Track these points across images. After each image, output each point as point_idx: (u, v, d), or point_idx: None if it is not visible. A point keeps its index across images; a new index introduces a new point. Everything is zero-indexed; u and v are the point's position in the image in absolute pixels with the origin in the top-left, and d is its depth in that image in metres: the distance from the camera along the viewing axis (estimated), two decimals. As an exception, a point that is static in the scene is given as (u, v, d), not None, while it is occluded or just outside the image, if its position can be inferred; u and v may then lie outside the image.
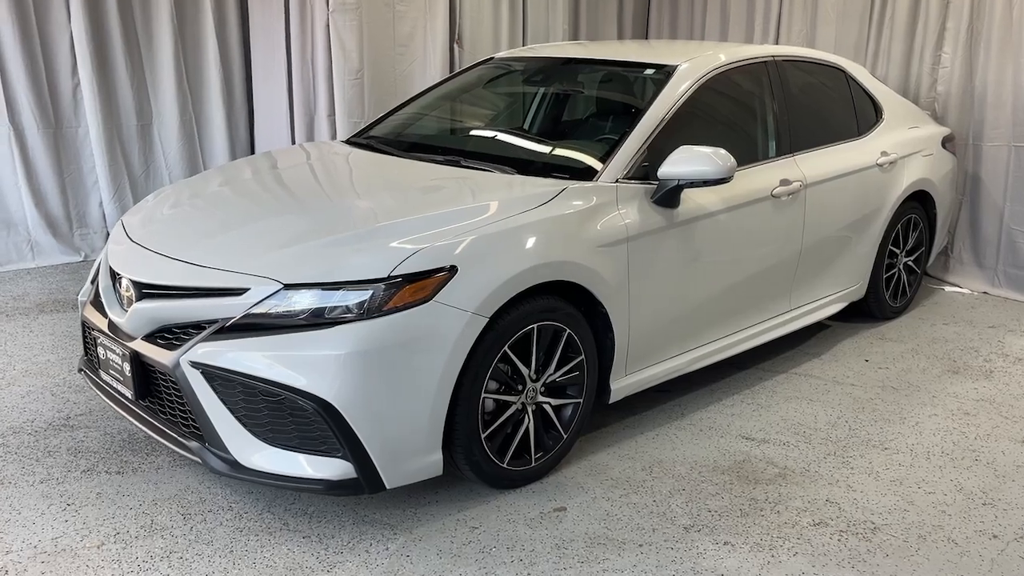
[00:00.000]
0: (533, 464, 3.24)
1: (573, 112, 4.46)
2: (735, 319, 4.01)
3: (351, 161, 3.93)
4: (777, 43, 6.67)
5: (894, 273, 5.08)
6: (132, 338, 3.00)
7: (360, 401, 2.70)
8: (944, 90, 5.87)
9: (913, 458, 3.54)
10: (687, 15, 7.44)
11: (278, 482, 2.79)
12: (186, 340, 2.84)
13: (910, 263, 5.20)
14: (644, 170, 3.53)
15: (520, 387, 3.14)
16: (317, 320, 2.74)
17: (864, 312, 5.04)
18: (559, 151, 3.87)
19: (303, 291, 2.77)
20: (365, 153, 4.00)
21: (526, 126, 4.43)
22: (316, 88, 6.26)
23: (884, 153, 4.75)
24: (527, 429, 3.19)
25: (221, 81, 6.40)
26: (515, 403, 3.13)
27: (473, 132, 4.40)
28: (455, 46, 6.52)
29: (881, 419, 3.88)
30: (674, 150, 3.47)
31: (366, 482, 2.78)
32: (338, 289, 2.77)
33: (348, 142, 4.27)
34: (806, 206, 4.20)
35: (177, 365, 2.80)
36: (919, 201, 5.10)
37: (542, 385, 3.21)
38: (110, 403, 3.21)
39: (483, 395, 3.00)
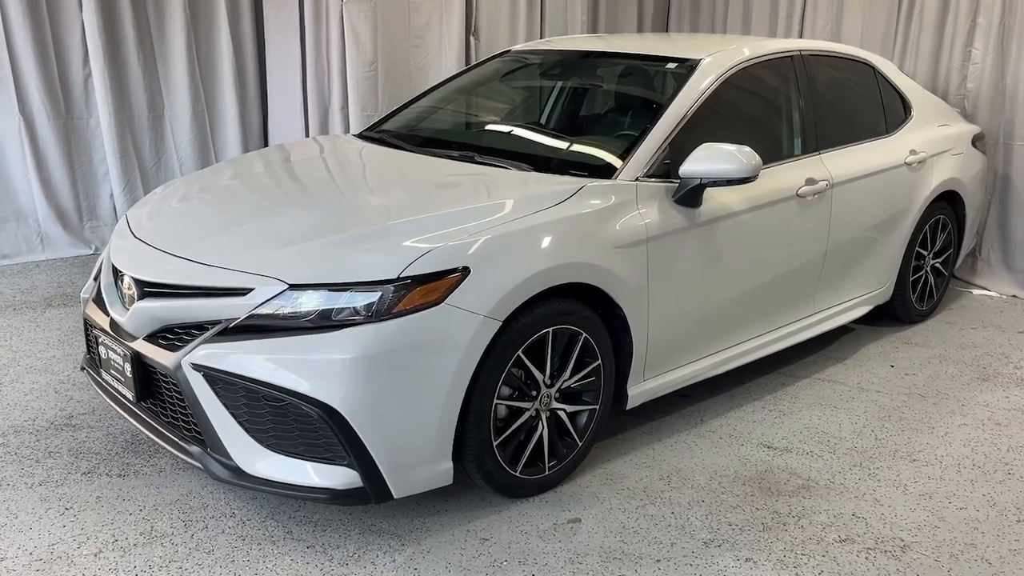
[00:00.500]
0: (547, 473, 3.12)
1: (592, 107, 4.33)
2: (757, 323, 3.88)
3: (362, 156, 3.82)
4: (801, 37, 6.51)
5: (921, 275, 4.93)
6: (134, 338, 2.90)
7: (367, 407, 2.59)
8: (974, 87, 5.70)
9: (943, 470, 3.40)
10: (708, 7, 7.27)
11: (281, 490, 2.68)
12: (188, 341, 2.74)
13: (938, 265, 5.04)
14: (665, 168, 3.40)
15: (534, 393, 3.02)
16: (324, 322, 2.62)
17: (890, 315, 4.89)
18: (577, 147, 3.74)
19: (309, 292, 2.66)
20: (377, 148, 3.89)
21: (543, 121, 4.30)
22: (330, 80, 6.15)
23: (913, 152, 4.59)
24: (541, 437, 3.07)
25: (234, 72, 6.31)
26: (529, 410, 3.01)
27: (488, 127, 4.27)
28: (471, 38, 6.38)
29: (908, 428, 3.74)
30: (696, 147, 3.33)
31: (373, 492, 2.67)
32: (346, 290, 2.65)
33: (361, 136, 4.16)
34: (832, 206, 4.06)
35: (178, 367, 2.70)
36: (948, 201, 4.94)
37: (557, 391, 3.09)
38: (111, 403, 3.12)
39: (495, 401, 2.88)
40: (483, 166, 3.49)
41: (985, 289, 5.70)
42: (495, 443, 2.91)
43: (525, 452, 3.03)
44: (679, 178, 3.35)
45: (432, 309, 2.66)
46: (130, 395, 2.94)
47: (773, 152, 3.93)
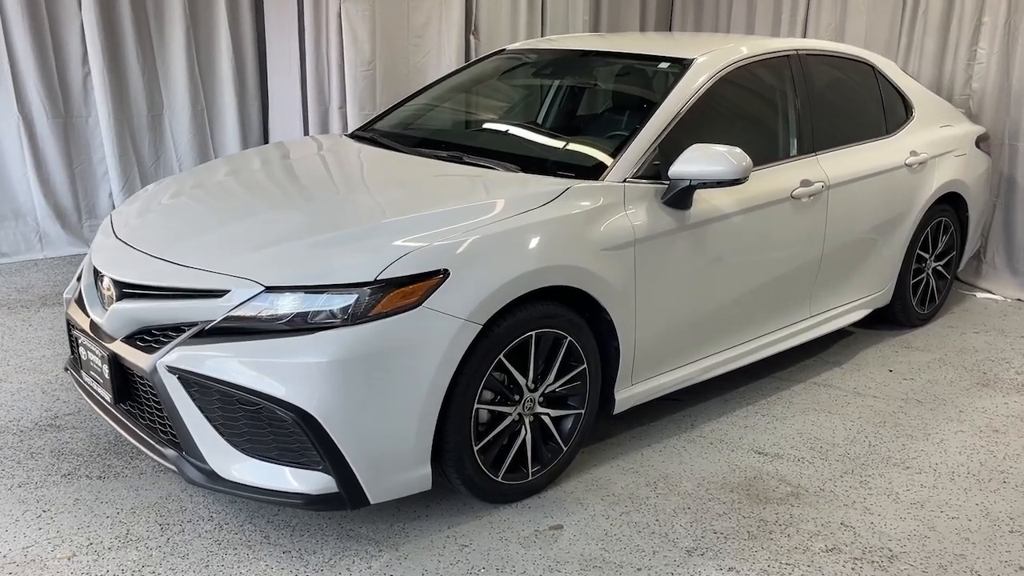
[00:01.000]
0: (530, 478, 3.08)
1: (585, 107, 4.28)
2: (750, 327, 3.82)
3: (349, 156, 3.78)
4: (805, 36, 6.43)
5: (922, 278, 4.85)
6: (112, 339, 2.87)
7: (342, 412, 2.55)
8: (979, 87, 5.61)
9: (936, 478, 3.33)
10: (712, 7, 7.21)
11: (255, 495, 2.65)
12: (165, 343, 2.71)
13: (939, 268, 4.96)
14: (655, 169, 3.35)
15: (517, 397, 2.97)
16: (300, 325, 2.59)
17: (890, 319, 4.82)
18: (566, 148, 3.69)
19: (286, 294, 2.63)
20: (366, 148, 3.85)
21: (535, 121, 4.25)
22: (330, 80, 6.12)
23: (913, 153, 4.52)
24: (524, 441, 3.03)
25: (233, 72, 6.29)
26: (511, 414, 2.97)
27: (479, 127, 4.23)
28: (471, 37, 6.34)
29: (903, 435, 3.68)
30: (688, 148, 3.28)
31: (348, 497, 2.64)
32: (323, 292, 2.62)
33: (352, 136, 4.13)
34: (828, 208, 3.99)
35: (154, 369, 2.67)
36: (950, 203, 4.87)
37: (541, 395, 3.04)
38: (92, 405, 3.10)
39: (476, 406, 2.84)
40: (471, 167, 3.44)
41: (989, 292, 5.62)
42: (476, 448, 2.87)
43: (508, 457, 2.99)
44: (669, 179, 3.30)
45: (410, 312, 2.62)
46: (108, 397, 2.92)
47: (768, 153, 3.87)
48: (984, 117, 5.56)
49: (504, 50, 4.54)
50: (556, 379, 3.07)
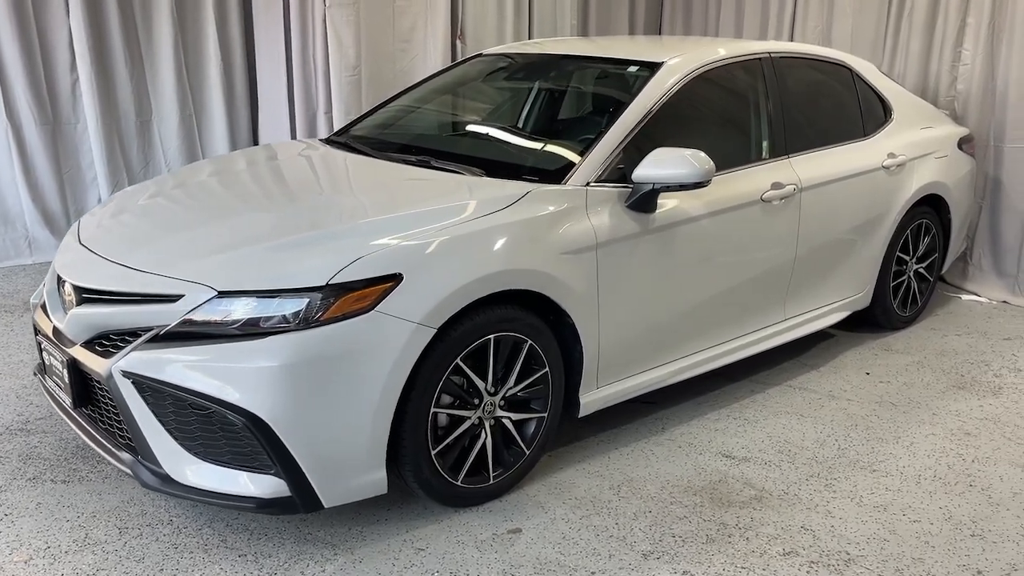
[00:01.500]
0: (491, 482, 3.08)
1: (555, 111, 4.28)
2: (721, 329, 3.81)
3: (316, 161, 3.80)
4: (792, 38, 6.42)
5: (903, 281, 4.83)
6: (73, 344, 2.89)
7: (293, 416, 2.57)
8: (964, 88, 5.59)
9: (902, 482, 3.32)
10: (701, 11, 7.21)
11: (209, 499, 2.67)
12: (123, 348, 2.73)
13: (921, 270, 4.94)
14: (620, 172, 3.35)
15: (476, 401, 2.98)
16: (252, 330, 2.60)
17: (871, 322, 4.80)
18: (532, 151, 3.71)
19: (239, 299, 2.64)
20: (336, 152, 3.87)
21: (506, 124, 4.25)
22: (316, 85, 6.15)
23: (891, 155, 4.51)
24: (484, 445, 3.03)
25: (221, 77, 6.32)
26: (471, 418, 2.97)
27: (450, 131, 4.24)
28: (458, 42, 6.36)
29: (874, 438, 3.66)
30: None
31: (301, 501, 2.65)
32: (275, 297, 2.63)
33: (325, 141, 4.15)
34: (801, 211, 3.98)
35: (110, 374, 2.69)
36: (932, 205, 4.85)
37: (501, 399, 3.04)
38: (57, 409, 3.12)
39: (434, 410, 2.84)
40: (437, 171, 3.45)
41: (975, 294, 5.59)
42: (433, 452, 2.88)
43: (467, 461, 2.99)
44: (632, 183, 3.30)
45: (362, 316, 2.63)
46: (68, 401, 2.94)
47: (738, 156, 3.87)
48: (969, 118, 5.54)
49: (481, 54, 4.55)
50: (517, 383, 3.07)
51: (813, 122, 4.30)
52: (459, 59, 6.28)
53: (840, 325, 4.57)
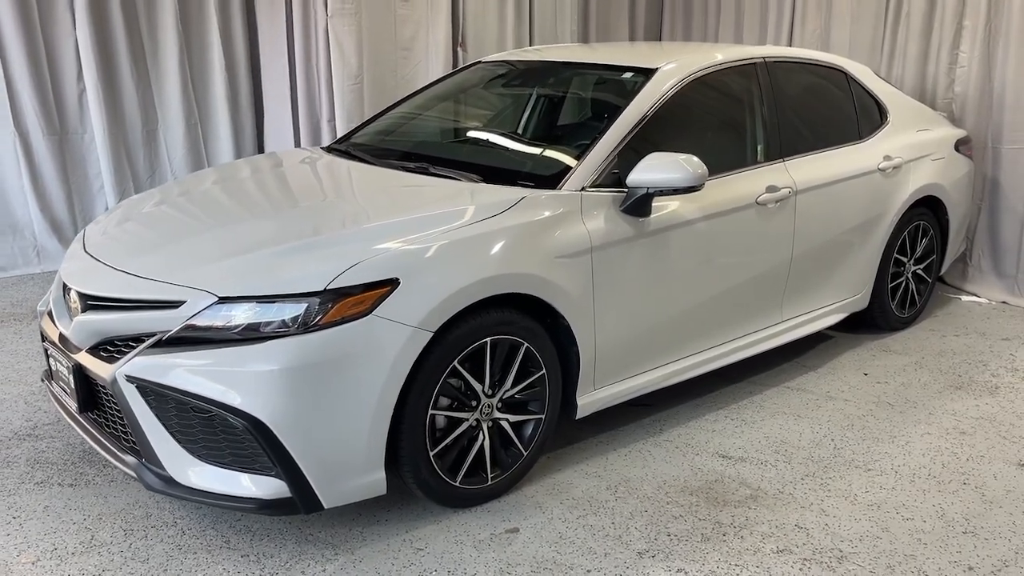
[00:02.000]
0: (489, 483, 3.13)
1: (553, 117, 4.33)
2: (717, 331, 3.85)
3: (316, 169, 3.87)
4: (791, 44, 6.47)
5: (901, 282, 4.87)
6: (78, 350, 2.95)
7: (292, 419, 2.62)
8: (962, 91, 5.62)
9: (896, 480, 3.35)
10: (701, 17, 7.26)
11: (211, 500, 2.72)
12: (127, 353, 2.79)
13: (919, 272, 4.97)
14: (615, 177, 3.40)
15: (474, 403, 3.03)
16: (252, 334, 2.66)
17: (869, 323, 4.83)
18: (528, 158, 3.76)
19: (239, 304, 2.70)
20: (337, 160, 3.93)
21: (504, 131, 4.31)
22: (319, 93, 6.22)
23: (887, 157, 4.55)
24: (482, 447, 3.08)
25: (226, 86, 6.39)
26: (468, 420, 3.03)
27: (448, 138, 4.31)
28: (459, 50, 6.42)
29: (870, 437, 3.70)
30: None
31: (301, 502, 2.70)
32: (274, 302, 2.69)
33: (327, 148, 4.21)
34: (796, 213, 4.02)
35: (114, 379, 2.75)
36: (929, 207, 4.88)
37: (499, 401, 3.10)
38: (63, 414, 3.19)
39: (432, 412, 2.90)
40: (435, 177, 3.51)
41: (974, 295, 5.62)
42: (432, 453, 2.93)
43: (465, 462, 3.04)
44: (627, 187, 3.35)
45: (360, 320, 2.69)
46: (74, 406, 3.01)
47: (733, 160, 3.92)
48: (967, 120, 5.57)
49: (479, 62, 4.61)
50: (514, 385, 3.12)
51: (808, 125, 4.34)
52: (459, 66, 6.36)
53: (839, 327, 4.61)
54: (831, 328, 4.55)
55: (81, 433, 3.06)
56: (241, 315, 2.69)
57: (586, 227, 3.23)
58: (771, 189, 3.90)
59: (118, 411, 2.83)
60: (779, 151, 4.06)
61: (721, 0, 7.03)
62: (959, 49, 5.61)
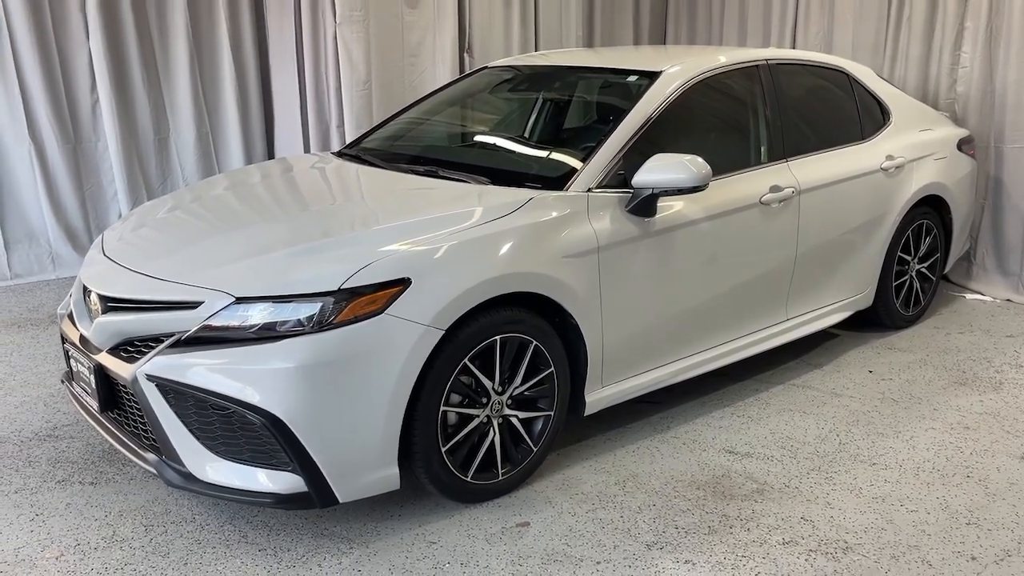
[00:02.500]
0: (500, 478, 3.19)
1: (557, 121, 4.40)
2: (723, 330, 3.91)
3: (327, 173, 3.94)
4: (794, 46, 6.53)
5: (906, 280, 4.92)
6: (99, 350, 3.03)
7: (308, 415, 2.69)
8: (964, 91, 5.68)
9: (901, 474, 3.41)
10: (705, 21, 7.33)
11: (229, 495, 2.79)
12: (147, 353, 2.86)
13: (923, 270, 5.02)
14: (620, 178, 3.47)
15: (484, 400, 3.10)
16: (268, 333, 2.73)
17: (874, 321, 4.89)
18: (535, 160, 3.83)
19: (256, 304, 2.78)
20: (347, 164, 4.01)
21: (511, 135, 4.39)
22: (329, 99, 6.31)
23: (890, 157, 4.60)
24: (493, 443, 3.15)
25: (236, 95, 6.49)
26: (479, 416, 3.09)
27: (457, 142, 4.39)
28: (466, 55, 6.51)
29: (875, 433, 3.75)
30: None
31: (317, 496, 2.77)
32: (290, 302, 2.76)
33: (337, 154, 4.29)
34: (800, 213, 4.09)
35: (135, 378, 2.83)
36: (932, 206, 4.93)
37: (508, 398, 3.16)
38: (84, 414, 3.27)
39: (443, 408, 2.97)
40: (444, 180, 3.58)
41: (979, 293, 5.66)
42: (444, 449, 3.00)
43: (476, 458, 3.11)
44: (632, 188, 3.42)
45: (373, 319, 2.76)
46: (95, 405, 3.08)
47: (736, 160, 3.98)
48: (970, 120, 5.63)
49: (485, 67, 4.69)
50: (523, 382, 3.18)
51: (811, 126, 4.40)
52: (466, 72, 6.45)
53: (844, 325, 4.66)
54: (836, 326, 4.61)
55: (102, 432, 3.13)
56: (257, 315, 2.76)
57: (593, 227, 3.30)
58: (775, 189, 3.96)
59: (138, 410, 2.91)
60: (782, 152, 4.12)
61: (725, 3, 7.10)
62: (961, 50, 5.67)
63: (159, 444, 2.87)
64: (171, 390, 2.78)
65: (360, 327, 2.74)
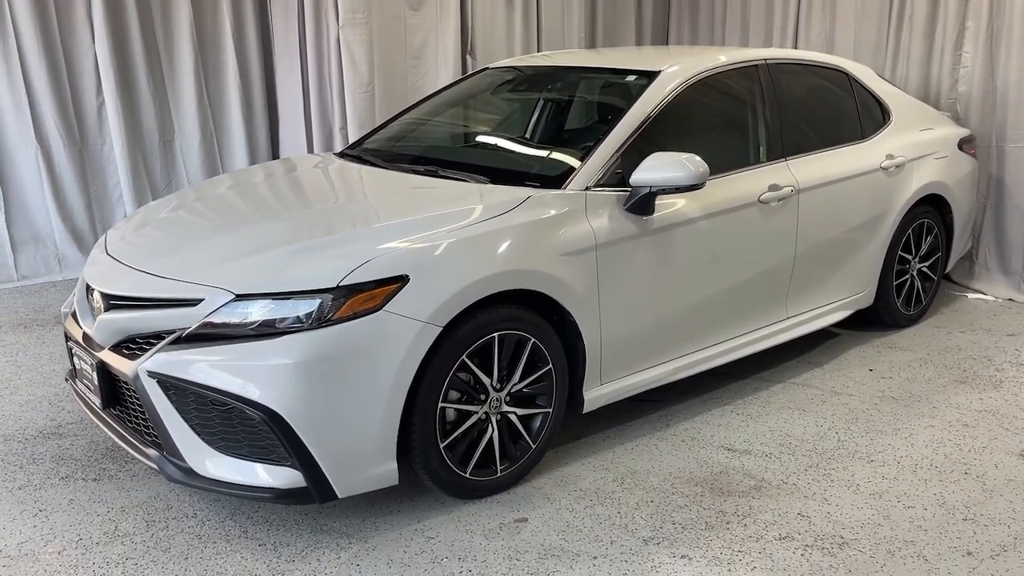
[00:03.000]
0: (499, 475, 3.21)
1: (558, 121, 4.43)
2: (723, 327, 3.93)
3: (329, 173, 3.98)
4: (796, 46, 6.55)
5: (907, 280, 4.92)
6: (101, 348, 3.07)
7: (307, 411, 2.72)
8: (965, 90, 5.69)
9: (899, 471, 3.42)
10: (707, 21, 7.35)
11: (229, 490, 2.82)
12: (147, 350, 2.90)
13: (924, 269, 5.03)
14: (618, 177, 3.49)
15: (483, 397, 3.12)
16: (268, 330, 2.76)
17: (875, 320, 4.89)
18: (534, 159, 3.86)
19: (255, 301, 2.80)
20: (349, 164, 4.04)
21: (510, 135, 4.42)
22: (332, 101, 6.35)
23: (890, 156, 4.61)
24: (491, 439, 3.17)
25: (241, 97, 6.53)
26: (477, 413, 3.12)
27: (458, 142, 4.41)
28: (468, 57, 6.54)
29: (873, 430, 3.76)
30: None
31: (316, 491, 2.80)
32: (289, 299, 2.79)
33: (339, 154, 4.32)
34: (799, 212, 4.10)
35: (136, 375, 2.86)
36: (933, 205, 4.94)
37: (507, 395, 3.18)
38: (87, 411, 3.30)
39: (441, 404, 2.99)
40: (444, 179, 3.61)
41: (981, 292, 5.66)
42: (442, 445, 3.02)
43: (475, 454, 3.13)
44: (630, 187, 3.44)
45: (371, 316, 2.79)
46: (98, 402, 3.12)
47: (735, 159, 4.00)
48: (971, 120, 5.63)
49: (486, 69, 4.72)
50: (522, 379, 3.21)
51: (811, 126, 4.42)
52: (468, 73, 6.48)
53: (846, 324, 4.67)
54: (838, 325, 4.62)
55: (104, 428, 3.17)
56: (257, 312, 2.79)
57: (591, 225, 3.32)
58: (773, 188, 3.97)
59: (140, 406, 2.94)
60: (781, 151, 4.14)
61: (727, 4, 7.12)
62: (962, 50, 5.68)
63: (160, 440, 2.90)
64: (172, 386, 2.81)
65: (358, 323, 2.77)
